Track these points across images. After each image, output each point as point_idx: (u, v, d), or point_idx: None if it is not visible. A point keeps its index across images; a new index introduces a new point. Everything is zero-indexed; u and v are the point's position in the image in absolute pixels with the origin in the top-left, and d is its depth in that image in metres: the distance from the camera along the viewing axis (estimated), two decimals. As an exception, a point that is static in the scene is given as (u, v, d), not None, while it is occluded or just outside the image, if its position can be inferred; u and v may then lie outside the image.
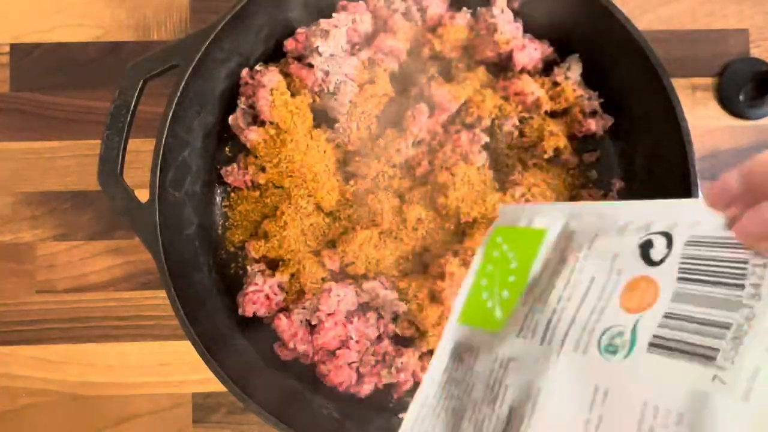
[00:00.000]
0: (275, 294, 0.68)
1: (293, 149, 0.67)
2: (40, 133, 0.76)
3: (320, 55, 0.67)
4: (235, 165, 0.71)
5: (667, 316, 0.28)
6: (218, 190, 0.72)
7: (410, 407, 0.37)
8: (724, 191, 0.30)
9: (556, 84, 0.71)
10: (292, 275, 0.68)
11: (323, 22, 0.68)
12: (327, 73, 0.68)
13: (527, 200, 0.69)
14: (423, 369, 0.68)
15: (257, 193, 0.70)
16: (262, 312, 0.67)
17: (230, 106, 0.70)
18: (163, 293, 0.61)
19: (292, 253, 0.68)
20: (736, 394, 0.25)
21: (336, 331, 0.67)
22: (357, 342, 0.67)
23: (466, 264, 0.66)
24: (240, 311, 0.67)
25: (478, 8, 0.71)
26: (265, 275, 0.68)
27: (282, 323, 0.67)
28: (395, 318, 0.69)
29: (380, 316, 0.69)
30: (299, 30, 0.70)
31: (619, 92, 0.70)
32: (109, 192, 0.61)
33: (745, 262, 0.28)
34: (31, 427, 0.73)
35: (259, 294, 0.67)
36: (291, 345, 0.67)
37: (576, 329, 0.30)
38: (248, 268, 0.69)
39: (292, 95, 0.68)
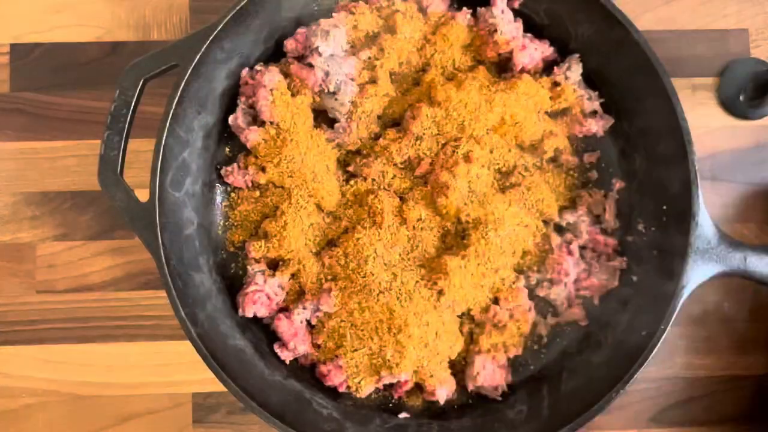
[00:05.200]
0: (275, 294, 0.68)
1: (293, 149, 0.67)
2: (40, 133, 0.76)
3: (320, 55, 0.67)
4: (235, 165, 0.71)
5: None
6: (218, 190, 0.72)
7: None
8: None
9: (556, 84, 0.71)
10: (292, 275, 0.68)
11: (323, 22, 0.68)
12: (327, 73, 0.67)
13: (526, 200, 0.69)
14: (423, 368, 0.68)
15: (257, 193, 0.70)
16: (262, 312, 0.67)
17: (230, 106, 0.70)
18: (163, 293, 0.61)
19: (292, 253, 0.68)
20: None
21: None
22: (357, 342, 0.67)
23: (466, 264, 0.66)
24: (240, 311, 0.67)
25: (479, 8, 0.71)
26: (265, 275, 0.68)
27: (282, 323, 0.67)
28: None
29: (380, 316, 0.69)
30: (299, 30, 0.70)
31: (619, 92, 0.70)
32: (109, 192, 0.61)
33: None
34: (31, 427, 0.73)
35: (260, 294, 0.67)
36: (291, 345, 0.67)
37: None
38: (248, 268, 0.69)
39: (293, 95, 0.68)
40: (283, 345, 0.68)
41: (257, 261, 0.69)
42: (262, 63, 0.70)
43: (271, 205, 0.70)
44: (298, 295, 0.69)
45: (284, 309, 0.69)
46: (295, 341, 0.67)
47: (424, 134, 0.68)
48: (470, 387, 0.68)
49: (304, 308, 0.67)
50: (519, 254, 0.69)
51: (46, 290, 0.75)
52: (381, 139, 0.70)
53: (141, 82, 0.62)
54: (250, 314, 0.67)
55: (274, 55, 0.71)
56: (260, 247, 0.68)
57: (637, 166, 0.70)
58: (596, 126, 0.71)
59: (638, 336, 0.63)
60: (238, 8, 0.63)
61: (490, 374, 0.68)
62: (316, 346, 0.68)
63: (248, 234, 0.71)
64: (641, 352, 0.61)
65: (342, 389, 0.68)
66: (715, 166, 0.77)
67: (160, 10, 0.77)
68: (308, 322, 0.68)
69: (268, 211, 0.70)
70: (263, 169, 0.69)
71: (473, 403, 0.70)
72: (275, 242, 0.67)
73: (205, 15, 0.77)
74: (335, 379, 0.67)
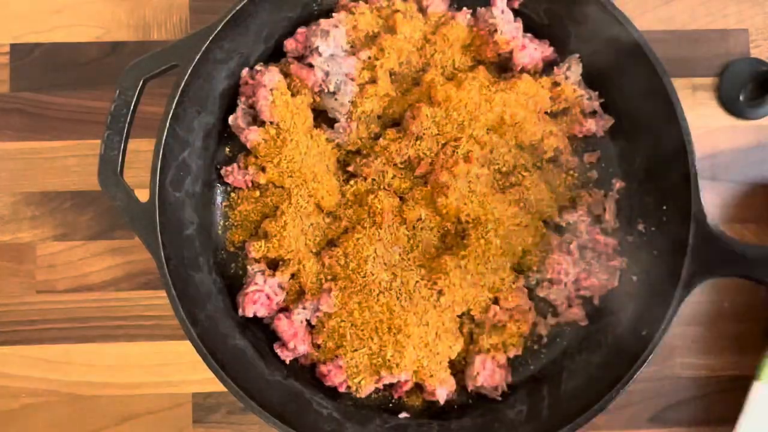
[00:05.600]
0: (275, 294, 0.68)
1: (293, 149, 0.67)
2: (40, 133, 0.76)
3: (320, 55, 0.67)
4: (235, 165, 0.71)
5: None
6: (218, 190, 0.72)
7: None
8: None
9: (556, 84, 0.71)
10: (292, 275, 0.68)
11: (323, 22, 0.68)
12: (327, 73, 0.68)
13: (526, 200, 0.69)
14: (423, 368, 0.68)
15: (257, 193, 0.70)
16: (262, 312, 0.67)
17: (230, 106, 0.70)
18: (163, 293, 0.61)
19: (292, 253, 0.68)
20: None
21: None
22: (357, 342, 0.67)
23: (466, 264, 0.66)
24: (240, 311, 0.67)
25: (478, 8, 0.71)
26: (265, 275, 0.68)
27: (282, 323, 0.67)
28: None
29: (380, 316, 0.69)
30: (299, 30, 0.70)
31: (619, 92, 0.70)
32: (109, 192, 0.62)
33: None
34: (31, 427, 0.73)
35: (260, 294, 0.67)
36: (291, 345, 0.67)
37: None
38: (248, 268, 0.69)
39: (293, 95, 0.68)
40: (283, 345, 0.68)
41: (257, 261, 0.69)
42: (262, 63, 0.71)
43: (271, 205, 0.70)
44: (298, 295, 0.69)
45: (284, 309, 0.69)
46: (295, 341, 0.67)
47: (424, 134, 0.68)
48: (470, 387, 0.68)
49: (304, 308, 0.67)
50: (519, 254, 0.69)
51: (46, 290, 0.75)
52: (381, 139, 0.70)
53: (141, 82, 0.62)
54: (250, 314, 0.67)
55: (274, 55, 0.71)
56: (260, 247, 0.68)
57: (637, 166, 0.70)
58: (596, 126, 0.71)
59: (638, 336, 0.63)
60: (238, 8, 0.63)
61: (490, 374, 0.68)
62: (316, 346, 0.68)
63: (248, 234, 0.71)
64: (641, 352, 0.61)
65: (342, 389, 0.68)
66: (715, 165, 0.77)
67: (160, 10, 0.77)
68: (308, 322, 0.68)
69: (268, 211, 0.70)
70: (263, 169, 0.69)
71: (473, 403, 0.70)
72: (275, 242, 0.67)
73: (205, 15, 0.77)
74: (335, 379, 0.67)
